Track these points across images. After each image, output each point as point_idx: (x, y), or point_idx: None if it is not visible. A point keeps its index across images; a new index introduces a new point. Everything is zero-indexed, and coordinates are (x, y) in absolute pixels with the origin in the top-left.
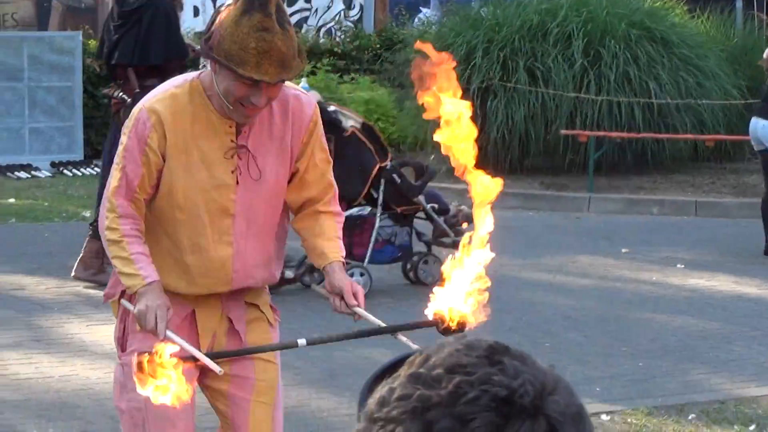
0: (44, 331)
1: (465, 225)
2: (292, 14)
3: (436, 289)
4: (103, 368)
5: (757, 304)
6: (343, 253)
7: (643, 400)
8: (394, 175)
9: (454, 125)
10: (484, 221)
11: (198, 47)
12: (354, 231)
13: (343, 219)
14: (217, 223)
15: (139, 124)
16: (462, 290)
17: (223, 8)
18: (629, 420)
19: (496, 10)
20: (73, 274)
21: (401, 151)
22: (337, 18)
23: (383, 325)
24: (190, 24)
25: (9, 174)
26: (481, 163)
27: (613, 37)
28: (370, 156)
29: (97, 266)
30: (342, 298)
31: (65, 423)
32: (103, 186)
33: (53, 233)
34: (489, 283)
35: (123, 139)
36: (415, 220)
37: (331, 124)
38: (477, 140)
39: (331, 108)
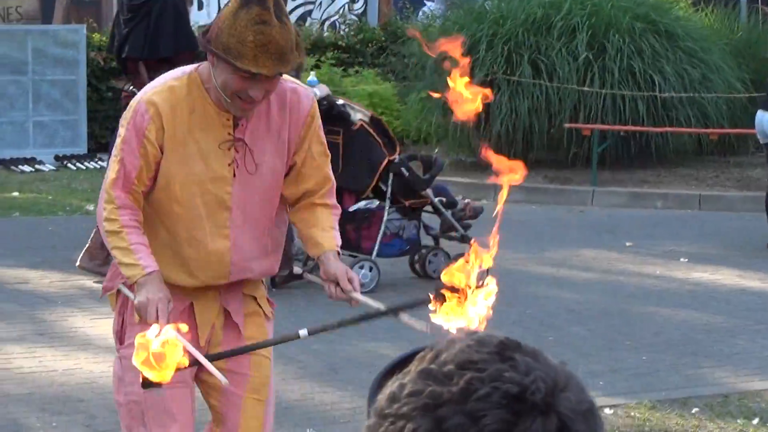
0: (48, 325)
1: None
2: (296, 7)
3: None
4: (106, 362)
5: (760, 298)
6: (339, 243)
7: (647, 393)
8: (403, 169)
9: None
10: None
11: None
12: (362, 224)
13: (339, 212)
14: (214, 215)
15: (137, 116)
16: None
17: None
18: (632, 414)
19: (500, 4)
20: (77, 263)
21: (405, 144)
22: (341, 11)
23: (383, 307)
24: (194, 17)
25: (13, 167)
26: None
27: (618, 30)
28: (379, 149)
29: (102, 258)
30: (337, 284)
31: (69, 416)
32: None
33: (57, 227)
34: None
35: (121, 131)
36: (423, 213)
37: (340, 118)
38: (481, 133)
39: (340, 101)
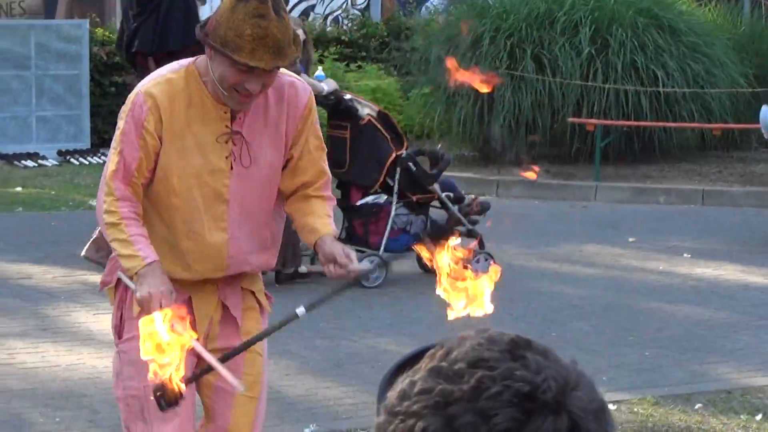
0: (51, 320)
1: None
2: (299, 2)
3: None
4: (110, 357)
5: (764, 294)
6: (335, 230)
7: (650, 389)
8: (410, 164)
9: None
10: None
11: None
12: (369, 219)
13: (334, 203)
14: (212, 208)
15: (136, 107)
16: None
17: None
18: (636, 409)
19: None
20: (83, 253)
21: (407, 140)
22: (344, 6)
23: (372, 264)
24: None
25: (16, 162)
26: (489, 151)
27: (621, 25)
28: (386, 144)
29: (108, 249)
30: (335, 262)
31: (72, 412)
32: None
33: (60, 222)
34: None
35: (120, 123)
36: (431, 209)
37: (348, 113)
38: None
39: (348, 96)
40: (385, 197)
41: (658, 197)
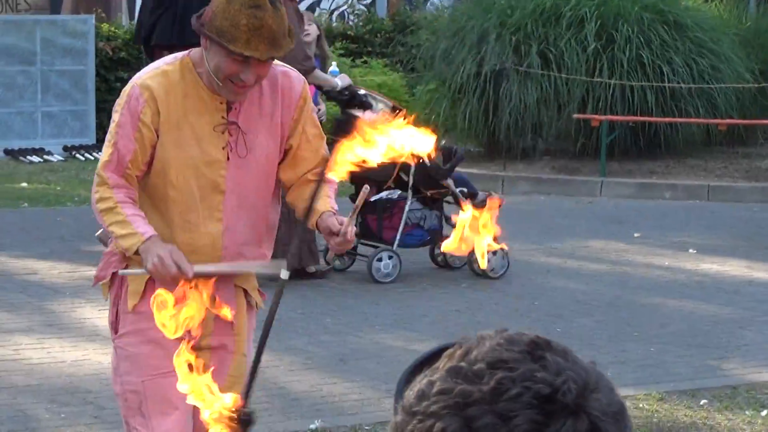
0: (56, 316)
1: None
2: None
3: None
4: None
5: None
6: (335, 207)
7: (655, 385)
8: (424, 159)
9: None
10: None
11: None
12: (384, 214)
13: (336, 186)
14: (208, 199)
15: (132, 100)
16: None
17: None
18: (641, 405)
19: None
20: (97, 233)
21: None
22: (349, 1)
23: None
24: None
25: (21, 158)
26: (494, 147)
27: (626, 20)
28: None
29: None
30: (332, 233)
31: (77, 408)
32: None
33: (65, 217)
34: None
35: (115, 116)
36: (444, 204)
37: (362, 107)
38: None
39: (362, 91)
40: (399, 192)
41: (663, 193)
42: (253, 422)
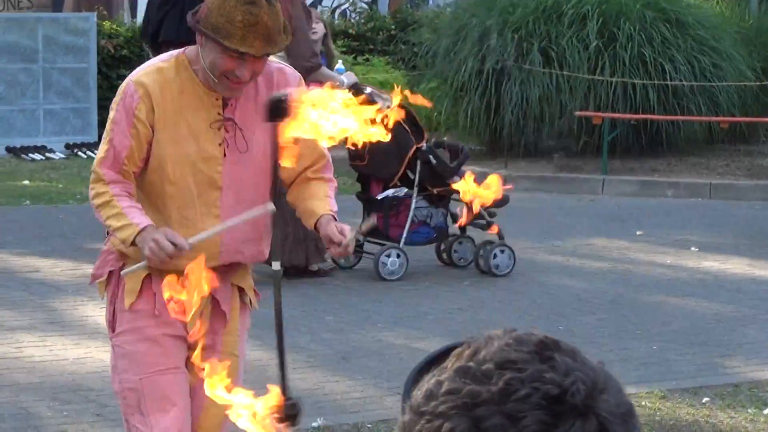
0: (58, 314)
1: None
2: None
3: None
4: None
5: None
6: (334, 209)
7: (657, 383)
8: (430, 156)
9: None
10: None
11: None
12: (390, 212)
13: (335, 185)
14: (205, 195)
15: (127, 97)
16: None
17: None
18: (643, 403)
19: None
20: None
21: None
22: None
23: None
24: None
25: (23, 156)
26: (495, 145)
27: (628, 18)
28: (407, 137)
29: None
30: (332, 242)
31: (79, 405)
32: None
33: (67, 215)
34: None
35: (111, 114)
36: (450, 201)
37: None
38: (491, 122)
39: (368, 89)
40: (405, 190)
41: (665, 191)
42: (300, 412)
